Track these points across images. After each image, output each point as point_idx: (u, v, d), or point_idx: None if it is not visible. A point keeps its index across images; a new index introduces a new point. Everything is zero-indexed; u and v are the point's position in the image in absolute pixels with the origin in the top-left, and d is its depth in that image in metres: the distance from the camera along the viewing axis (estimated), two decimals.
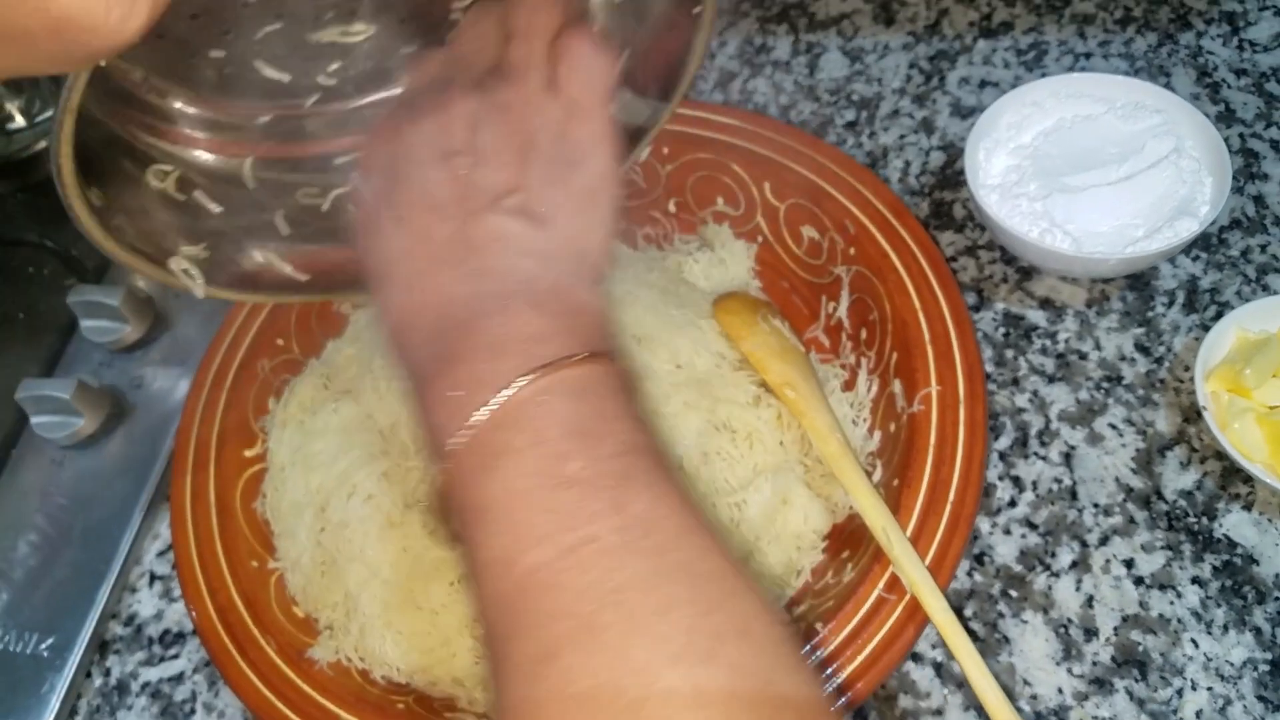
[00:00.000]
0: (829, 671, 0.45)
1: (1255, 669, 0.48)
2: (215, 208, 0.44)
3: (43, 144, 0.76)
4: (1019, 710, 0.47)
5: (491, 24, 0.43)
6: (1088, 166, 0.59)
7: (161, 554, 0.60)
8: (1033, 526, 0.54)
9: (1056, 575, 0.52)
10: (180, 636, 0.57)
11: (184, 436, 0.56)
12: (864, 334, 0.57)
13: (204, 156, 0.45)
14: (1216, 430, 0.51)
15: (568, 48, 0.41)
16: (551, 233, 0.39)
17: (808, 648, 0.46)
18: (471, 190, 0.39)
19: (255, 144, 0.46)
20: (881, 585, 0.47)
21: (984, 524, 0.54)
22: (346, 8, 0.44)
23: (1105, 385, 0.57)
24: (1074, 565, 0.52)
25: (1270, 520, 0.52)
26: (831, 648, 0.46)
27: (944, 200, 0.66)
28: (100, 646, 0.57)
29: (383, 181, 0.41)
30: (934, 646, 0.51)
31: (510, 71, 0.41)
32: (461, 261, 0.38)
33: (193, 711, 0.55)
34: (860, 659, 0.45)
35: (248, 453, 0.56)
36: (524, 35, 0.42)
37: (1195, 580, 0.51)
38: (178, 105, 0.44)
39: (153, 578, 0.59)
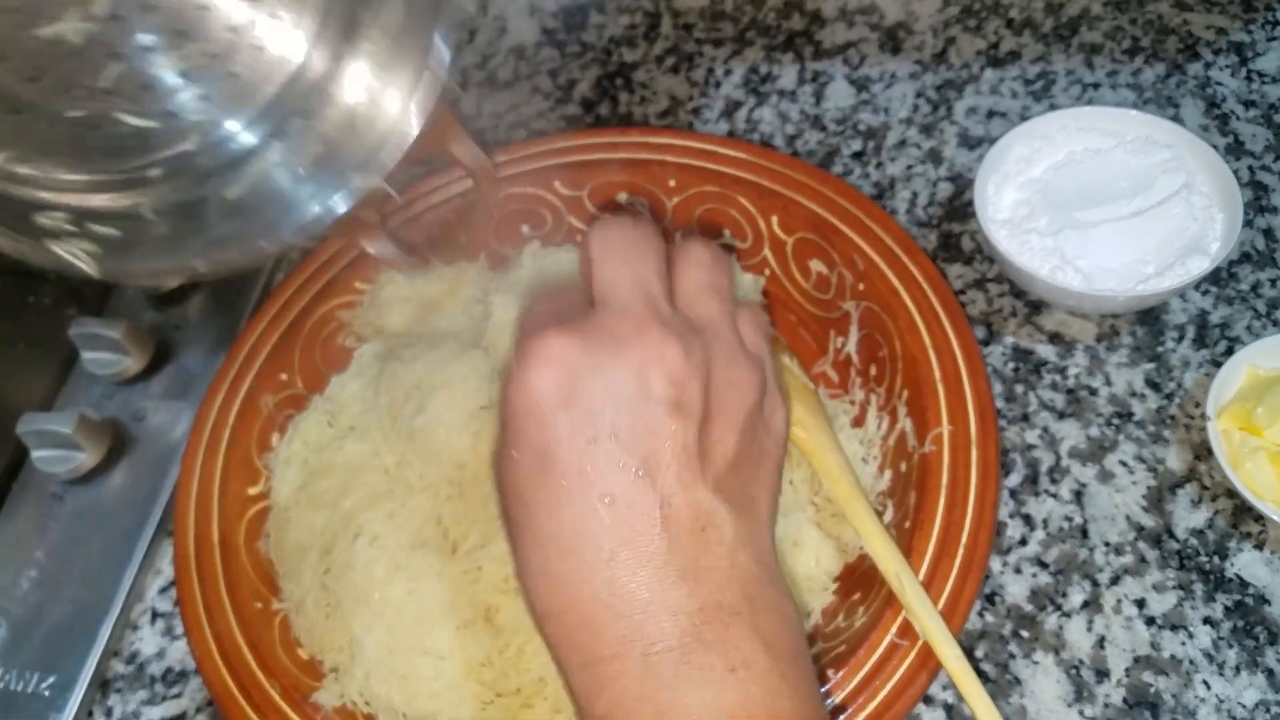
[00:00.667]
0: (844, 718, 0.45)
1: (1268, 711, 0.48)
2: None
3: None
4: None
5: (644, 254, 0.40)
6: (1098, 201, 0.59)
7: (164, 590, 0.59)
8: (1044, 565, 0.53)
9: (1068, 615, 0.52)
10: (183, 675, 0.56)
11: (186, 474, 0.55)
12: (873, 370, 0.56)
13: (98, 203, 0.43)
14: (1228, 469, 0.51)
15: (746, 317, 0.42)
16: (755, 523, 0.37)
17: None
18: (685, 454, 0.36)
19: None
20: (894, 631, 0.46)
21: (995, 563, 0.54)
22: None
23: (1116, 422, 0.57)
24: (1085, 605, 0.52)
25: None
26: (843, 695, 0.45)
27: (952, 232, 0.65)
28: (102, 685, 0.56)
29: (557, 416, 0.36)
30: (945, 688, 0.51)
31: (706, 325, 0.39)
32: (668, 554, 0.35)
33: None
34: (872, 706, 0.45)
35: (251, 490, 0.56)
36: (712, 290, 0.41)
37: (1207, 620, 0.51)
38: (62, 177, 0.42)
39: (155, 614, 0.59)
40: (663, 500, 0.35)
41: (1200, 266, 0.55)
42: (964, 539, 0.48)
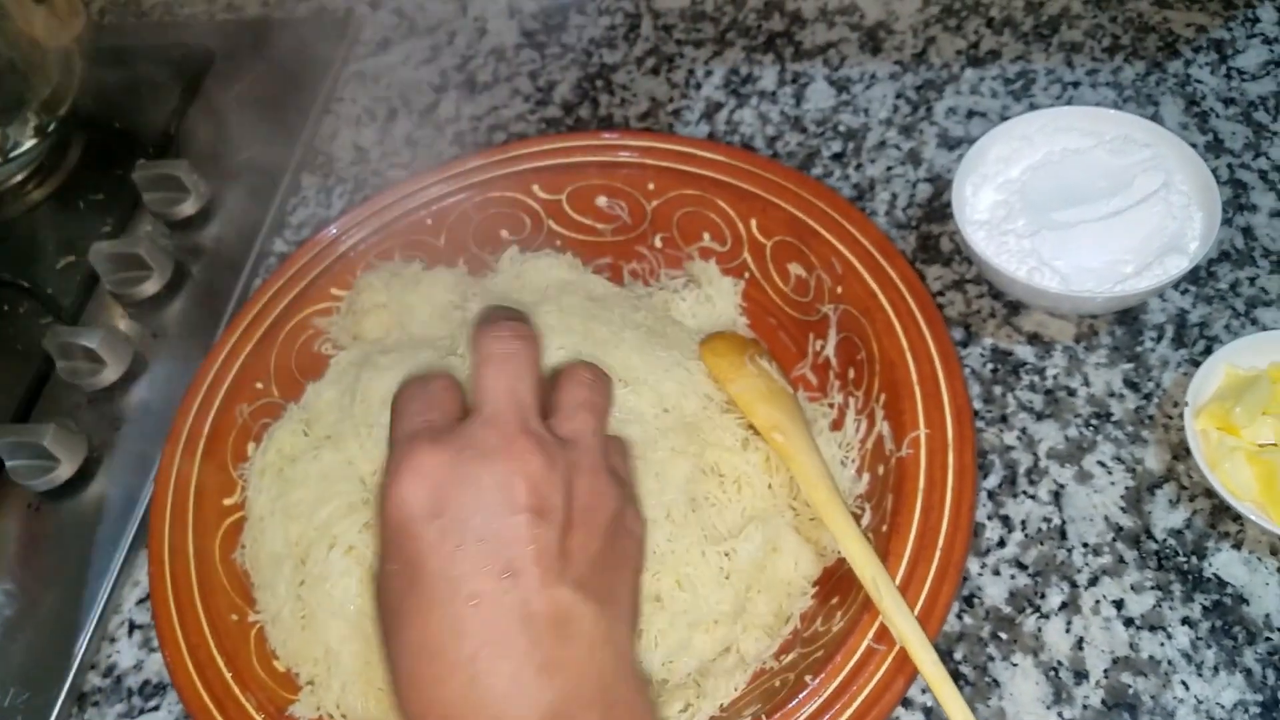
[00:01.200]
0: None
1: (1246, 711, 0.48)
2: None
3: (17, 178, 0.76)
4: None
5: (519, 368, 0.41)
6: (1076, 202, 0.59)
7: (141, 602, 0.59)
8: (1022, 567, 0.53)
9: (1046, 617, 0.52)
10: (160, 687, 0.56)
11: (162, 485, 0.55)
12: (852, 373, 0.56)
13: None
14: (1206, 470, 0.51)
15: (619, 445, 0.45)
16: (616, 620, 0.39)
17: (796, 701, 0.45)
18: (547, 556, 0.37)
19: None
20: (871, 635, 0.46)
21: (973, 565, 0.53)
22: None
23: (1094, 422, 0.57)
24: (1064, 606, 0.52)
25: (1260, 559, 0.52)
26: (821, 700, 0.45)
27: (931, 234, 0.65)
28: (79, 698, 0.56)
29: (426, 527, 0.37)
30: (923, 691, 0.51)
31: (575, 441, 0.40)
32: (528, 649, 0.36)
33: None
34: (850, 712, 0.45)
35: (226, 501, 0.56)
36: (587, 408, 0.42)
37: (1185, 621, 0.51)
38: None
39: (132, 627, 0.58)
40: (525, 599, 0.36)
41: (1179, 266, 0.55)
42: (941, 542, 0.48)
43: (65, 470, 0.61)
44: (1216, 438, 0.53)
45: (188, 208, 0.73)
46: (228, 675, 0.49)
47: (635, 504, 0.44)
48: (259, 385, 0.59)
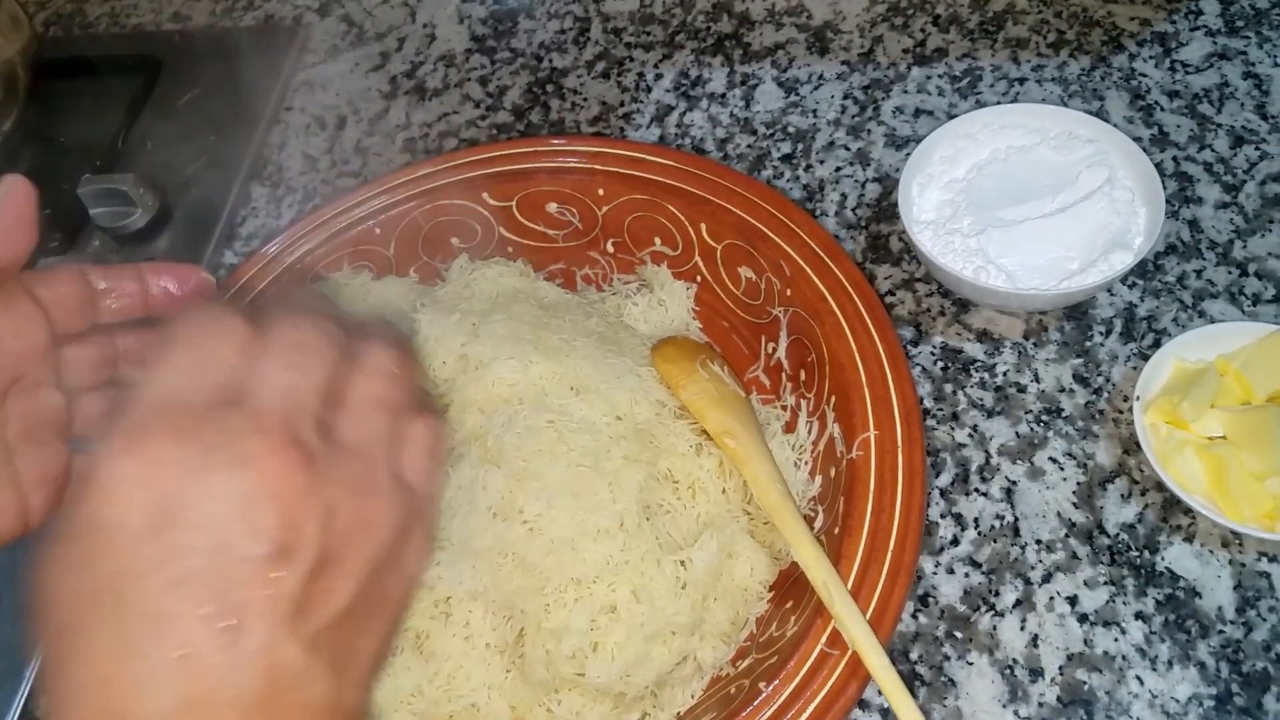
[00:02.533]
0: None
1: (1200, 704, 0.48)
2: None
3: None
4: None
5: (313, 360, 0.34)
6: (1022, 199, 0.59)
7: None
8: (976, 565, 0.53)
9: (1001, 615, 0.52)
10: None
11: None
12: (803, 375, 0.56)
13: None
14: (1156, 465, 0.51)
15: (416, 438, 0.36)
16: (348, 682, 0.32)
17: (751, 708, 0.45)
18: (282, 606, 0.30)
19: None
20: (824, 640, 0.46)
21: (927, 564, 0.54)
22: None
23: (1045, 418, 0.57)
24: (1018, 604, 0.52)
25: (1211, 552, 0.52)
26: (776, 706, 0.45)
27: (881, 233, 0.65)
28: None
29: (140, 546, 0.30)
30: (880, 693, 0.51)
31: (356, 449, 0.33)
32: (230, 705, 0.29)
33: None
34: (804, 718, 0.45)
35: None
36: (380, 405, 0.35)
37: (1139, 615, 0.51)
38: None
39: None
40: (245, 659, 0.29)
41: (1124, 261, 0.55)
42: (892, 544, 0.48)
43: None
44: (1165, 431, 0.53)
45: (136, 221, 0.72)
46: None
47: (424, 523, 0.36)
48: None
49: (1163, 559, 0.52)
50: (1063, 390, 0.58)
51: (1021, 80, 0.71)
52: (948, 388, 0.59)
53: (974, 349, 0.60)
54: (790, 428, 0.56)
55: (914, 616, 0.52)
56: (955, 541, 0.54)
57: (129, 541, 0.29)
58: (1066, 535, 0.54)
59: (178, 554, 0.29)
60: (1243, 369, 0.54)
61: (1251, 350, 0.54)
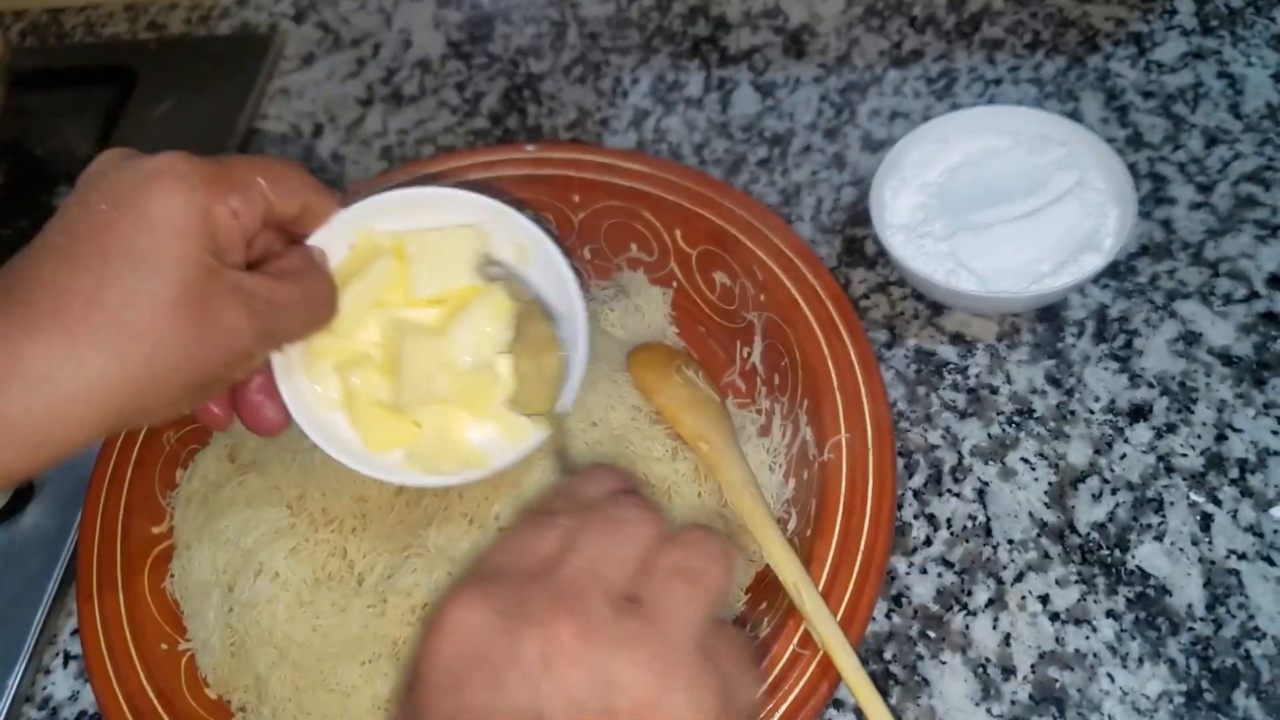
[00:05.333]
0: None
1: (1171, 701, 0.49)
2: None
3: None
4: None
5: (632, 536, 0.35)
6: (993, 202, 0.59)
7: (75, 632, 0.58)
8: (949, 565, 0.54)
9: (973, 614, 0.52)
10: (97, 717, 0.56)
11: (90, 514, 0.55)
12: (777, 380, 0.57)
13: None
14: (281, 380, 0.44)
15: (729, 629, 0.36)
16: None
17: None
18: None
19: None
20: (796, 641, 0.47)
21: (900, 564, 0.54)
22: None
23: (1016, 419, 0.58)
24: (990, 603, 0.52)
25: (1182, 550, 0.52)
26: None
27: (856, 237, 0.66)
28: None
29: (438, 705, 0.32)
30: None
31: (655, 613, 0.33)
32: None
33: None
34: (777, 718, 0.45)
35: (155, 529, 0.55)
36: (686, 576, 0.34)
37: (1110, 614, 0.51)
38: None
39: (67, 657, 0.58)
40: None
41: (1094, 263, 0.56)
42: (862, 545, 0.49)
43: None
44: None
45: None
46: (159, 706, 0.49)
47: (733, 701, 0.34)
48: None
49: (1133, 557, 0.53)
50: (1035, 391, 0.58)
51: (997, 81, 0.71)
52: (921, 390, 0.59)
53: (947, 351, 0.60)
54: (765, 431, 0.57)
55: (887, 616, 0.53)
56: (928, 542, 0.55)
57: (433, 700, 0.32)
58: (1038, 535, 0.54)
59: (465, 713, 0.31)
60: (417, 258, 0.47)
61: (436, 237, 0.47)
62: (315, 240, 0.45)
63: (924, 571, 0.54)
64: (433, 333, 0.46)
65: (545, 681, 0.31)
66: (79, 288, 0.36)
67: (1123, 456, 0.55)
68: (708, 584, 0.35)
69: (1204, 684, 0.49)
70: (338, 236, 0.46)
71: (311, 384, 0.45)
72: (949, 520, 0.55)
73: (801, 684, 0.46)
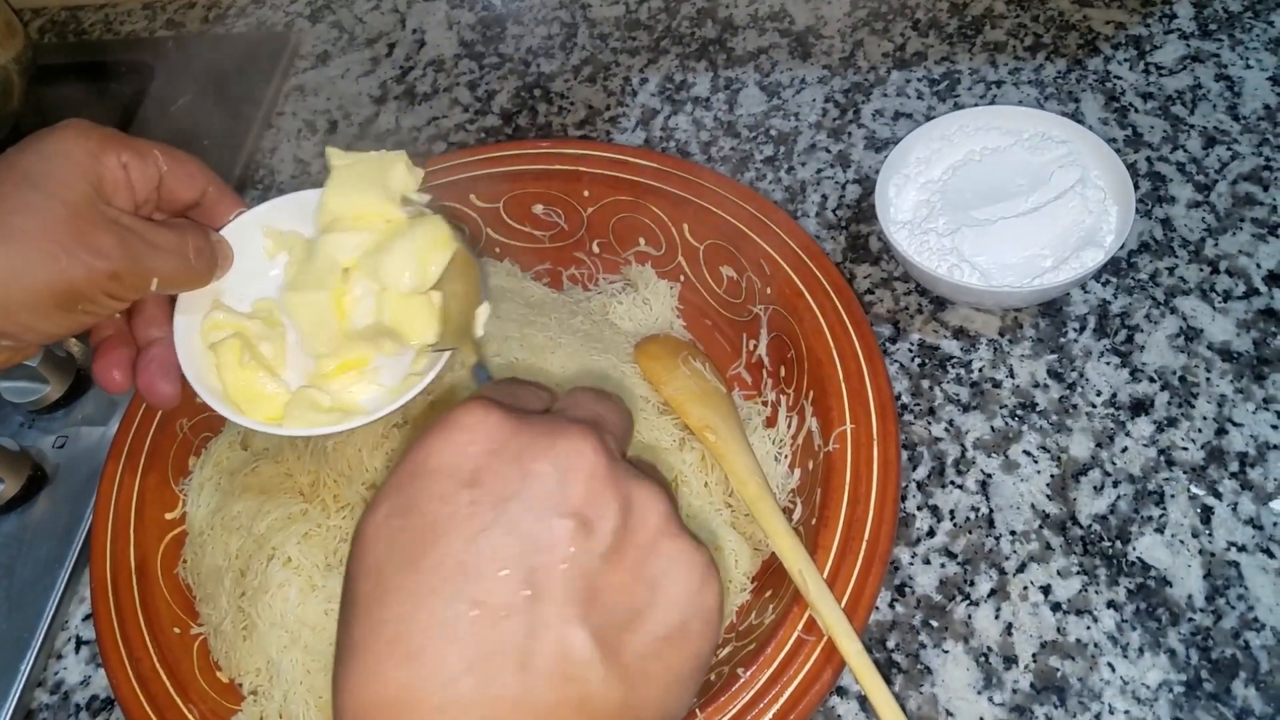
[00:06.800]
0: (752, 715, 0.46)
1: (1171, 691, 0.49)
2: None
3: None
4: None
5: (616, 406, 0.37)
6: (996, 199, 0.60)
7: (87, 618, 0.59)
8: (952, 555, 0.55)
9: (976, 604, 0.53)
10: (108, 703, 0.56)
11: (103, 501, 0.55)
12: (783, 371, 0.58)
13: None
14: (184, 360, 0.47)
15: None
16: (632, 707, 0.31)
17: (729, 693, 0.46)
18: (578, 581, 0.30)
19: None
20: (800, 627, 0.47)
21: (904, 554, 0.55)
22: None
23: (1019, 413, 0.58)
24: (993, 593, 0.53)
25: (1182, 542, 0.53)
26: (753, 691, 0.46)
27: (860, 233, 0.67)
28: (26, 716, 0.56)
29: (459, 492, 0.31)
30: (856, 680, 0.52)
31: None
32: (516, 697, 0.29)
33: None
34: (781, 702, 0.46)
35: (168, 515, 0.56)
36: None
37: (1111, 604, 0.52)
38: None
39: (79, 642, 0.59)
40: (535, 629, 0.30)
41: (1095, 259, 0.57)
42: (867, 534, 0.49)
43: (9, 489, 0.61)
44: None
45: None
46: (170, 688, 0.49)
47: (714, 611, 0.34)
48: (198, 400, 0.59)
49: (1134, 549, 0.53)
50: (1037, 385, 0.59)
51: (999, 83, 0.72)
52: (925, 383, 0.60)
53: (950, 346, 0.61)
54: (771, 422, 0.57)
55: (891, 606, 0.53)
56: (931, 533, 0.55)
57: (449, 488, 0.31)
58: (1040, 526, 0.55)
59: (487, 507, 0.31)
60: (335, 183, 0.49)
61: (360, 168, 0.50)
62: (224, 234, 0.50)
63: (927, 562, 0.55)
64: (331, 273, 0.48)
65: (573, 484, 0.31)
66: None
67: (1124, 450, 0.56)
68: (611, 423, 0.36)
69: (1203, 674, 0.49)
70: (246, 233, 0.50)
71: (206, 352, 0.48)
72: (952, 511, 0.56)
73: (806, 669, 0.46)
